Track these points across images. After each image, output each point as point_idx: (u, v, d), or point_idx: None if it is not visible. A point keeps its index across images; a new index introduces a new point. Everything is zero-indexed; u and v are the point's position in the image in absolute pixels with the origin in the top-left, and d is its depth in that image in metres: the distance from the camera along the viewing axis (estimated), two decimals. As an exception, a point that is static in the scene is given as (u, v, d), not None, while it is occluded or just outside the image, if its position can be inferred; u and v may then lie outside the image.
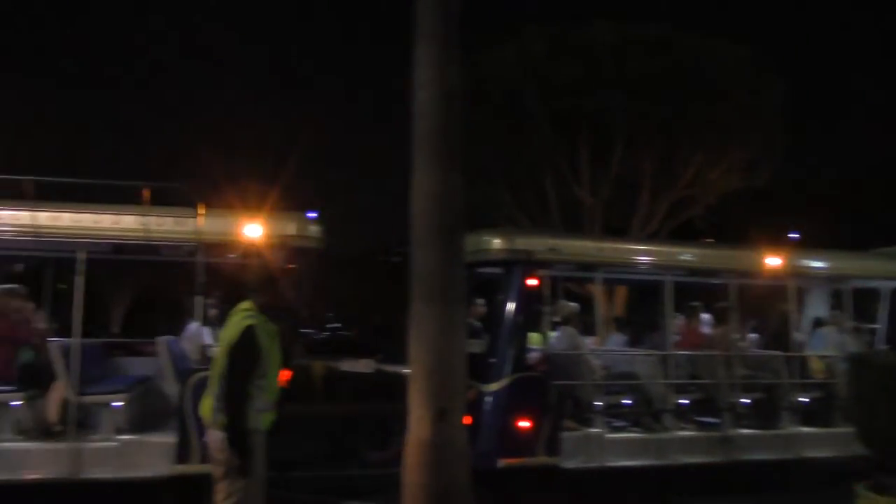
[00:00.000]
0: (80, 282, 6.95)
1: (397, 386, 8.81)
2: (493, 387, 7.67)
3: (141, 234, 7.00)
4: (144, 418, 7.72)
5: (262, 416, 4.34)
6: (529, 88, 17.09)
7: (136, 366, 8.72)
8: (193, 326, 8.06)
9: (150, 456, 6.81)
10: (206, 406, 4.47)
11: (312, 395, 14.14)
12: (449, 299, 5.62)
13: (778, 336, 9.51)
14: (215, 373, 4.41)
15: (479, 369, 7.52)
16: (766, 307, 9.99)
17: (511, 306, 7.96)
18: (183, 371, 7.39)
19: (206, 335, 8.16)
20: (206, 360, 7.25)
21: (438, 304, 5.59)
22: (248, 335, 4.27)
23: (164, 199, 6.97)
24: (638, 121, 17.02)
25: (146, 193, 6.73)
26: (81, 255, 6.94)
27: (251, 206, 7.24)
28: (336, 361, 16.19)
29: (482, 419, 7.48)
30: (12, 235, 6.93)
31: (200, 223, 6.88)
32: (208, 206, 6.91)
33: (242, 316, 4.40)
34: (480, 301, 8.76)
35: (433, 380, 5.50)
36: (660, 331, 9.04)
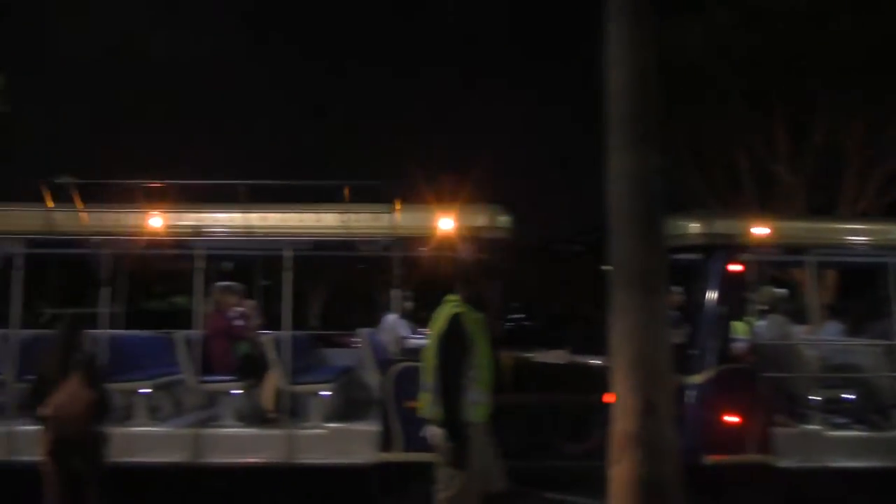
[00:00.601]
0: (288, 277, 7.35)
1: (592, 378, 8.60)
2: (696, 379, 7.28)
3: (341, 231, 7.29)
4: (349, 407, 8.09)
5: (476, 408, 4.33)
6: (719, 61, 16.11)
7: (338, 357, 9.15)
8: (391, 318, 8.34)
9: (356, 443, 7.09)
10: (423, 401, 4.54)
11: (502, 386, 14.16)
12: (650, 287, 5.35)
13: None
14: (428, 365, 4.45)
15: (680, 361, 7.15)
16: None
17: (713, 294, 7.52)
18: (383, 362, 7.64)
19: (402, 327, 8.41)
20: (403, 351, 7.47)
21: (639, 292, 5.33)
22: (455, 323, 4.28)
23: (364, 197, 7.21)
24: (843, 89, 15.54)
25: (346, 191, 6.99)
26: (288, 253, 7.33)
27: (444, 199, 7.33)
28: (527, 352, 16.14)
29: (685, 413, 7.11)
30: (227, 236, 7.47)
31: (396, 218, 7.05)
32: (404, 201, 7.06)
33: (451, 306, 4.42)
34: (678, 289, 8.36)
35: (637, 372, 5.26)
36: (884, 318, 8.17)
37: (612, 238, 5.46)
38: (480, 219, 7.25)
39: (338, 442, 7.13)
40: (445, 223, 7.21)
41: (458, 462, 4.15)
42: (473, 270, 4.61)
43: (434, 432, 4.30)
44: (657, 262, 5.41)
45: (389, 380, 7.06)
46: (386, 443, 6.97)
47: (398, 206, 7.02)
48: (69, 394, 5.56)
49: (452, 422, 4.17)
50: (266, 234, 7.39)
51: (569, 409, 10.15)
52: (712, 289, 7.53)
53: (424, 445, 7.01)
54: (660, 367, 5.30)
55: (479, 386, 4.34)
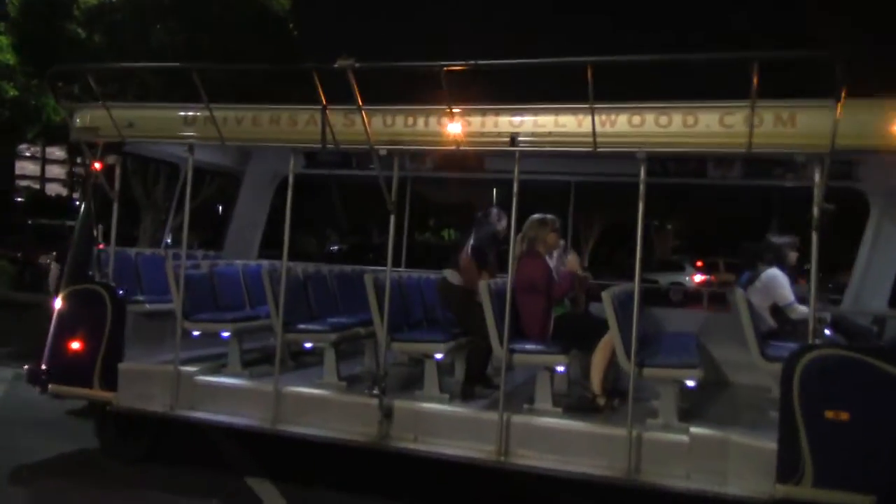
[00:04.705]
0: (638, 207, 4.95)
1: None
2: None
3: (725, 140, 4.76)
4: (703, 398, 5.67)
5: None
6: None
7: (677, 320, 6.79)
8: (771, 275, 5.68)
9: (737, 464, 4.66)
10: None
11: None
12: None
13: None
14: None
15: None
16: None
17: None
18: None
19: (788, 288, 5.71)
20: (784, 324, 4.89)
21: None
22: None
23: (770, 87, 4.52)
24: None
25: (755, 72, 4.30)
26: (642, 173, 4.90)
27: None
28: None
29: None
30: (552, 145, 5.21)
31: (835, 119, 4.30)
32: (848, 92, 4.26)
33: None
34: None
35: None
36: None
37: None
38: None
39: (706, 457, 4.72)
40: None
41: None
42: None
43: None
44: None
45: (795, 375, 4.48)
46: (787, 470, 4.44)
47: (843, 100, 4.21)
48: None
49: None
50: (607, 144, 5.01)
51: None
52: None
53: (848, 482, 4.52)
54: None
55: None
